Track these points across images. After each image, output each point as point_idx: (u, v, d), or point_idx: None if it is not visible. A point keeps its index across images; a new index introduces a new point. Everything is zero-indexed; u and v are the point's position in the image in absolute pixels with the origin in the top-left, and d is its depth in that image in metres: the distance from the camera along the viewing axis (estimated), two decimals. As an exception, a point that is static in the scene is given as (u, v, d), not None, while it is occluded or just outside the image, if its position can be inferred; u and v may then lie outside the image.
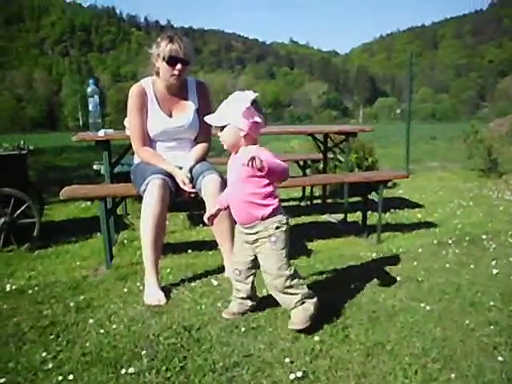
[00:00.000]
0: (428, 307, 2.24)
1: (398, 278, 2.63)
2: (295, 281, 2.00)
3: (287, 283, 1.98)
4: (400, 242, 3.42)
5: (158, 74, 2.68)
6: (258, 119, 1.97)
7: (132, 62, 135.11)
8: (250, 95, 1.97)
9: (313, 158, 5.04)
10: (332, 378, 1.68)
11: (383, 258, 3.04)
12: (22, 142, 3.75)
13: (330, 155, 4.69)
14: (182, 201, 2.76)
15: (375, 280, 2.61)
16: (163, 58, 2.58)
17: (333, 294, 2.40)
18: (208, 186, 2.53)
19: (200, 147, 2.78)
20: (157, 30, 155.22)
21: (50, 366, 1.79)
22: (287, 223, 2.03)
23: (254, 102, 1.97)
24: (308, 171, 5.19)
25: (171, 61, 2.58)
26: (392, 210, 4.52)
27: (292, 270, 2.00)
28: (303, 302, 2.01)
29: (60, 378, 1.70)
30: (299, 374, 1.67)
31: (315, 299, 2.05)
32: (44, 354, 1.87)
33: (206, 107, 2.82)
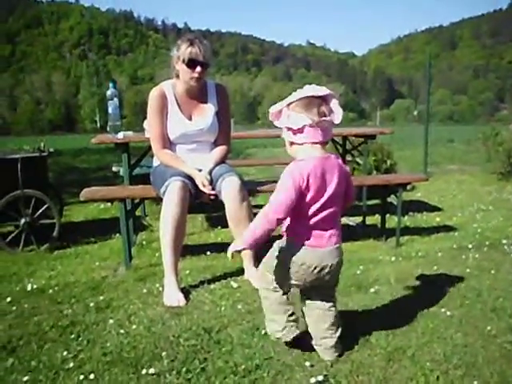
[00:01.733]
0: (449, 312, 2.21)
1: (418, 283, 2.60)
2: None
3: None
4: (419, 246, 3.38)
5: (178, 76, 2.70)
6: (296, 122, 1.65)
7: (149, 65, 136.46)
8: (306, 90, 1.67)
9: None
10: (353, 382, 1.66)
11: (402, 262, 3.01)
12: (42, 145, 3.80)
13: (349, 158, 4.66)
14: (200, 203, 2.76)
15: (395, 284, 2.59)
16: (183, 61, 2.60)
17: (352, 299, 2.39)
18: (227, 188, 2.54)
19: (219, 150, 2.79)
20: (174, 32, 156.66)
21: (71, 365, 1.81)
22: None
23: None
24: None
25: (191, 63, 2.60)
26: (411, 213, 4.47)
27: None
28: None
29: (81, 377, 1.72)
30: (320, 377, 1.67)
31: None
32: (65, 353, 1.90)
33: (225, 110, 2.85)
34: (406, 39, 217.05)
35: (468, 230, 3.86)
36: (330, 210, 1.71)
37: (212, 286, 2.62)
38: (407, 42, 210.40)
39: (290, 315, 1.83)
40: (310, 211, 1.69)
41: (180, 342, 1.96)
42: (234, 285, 2.61)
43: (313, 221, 1.70)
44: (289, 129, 1.69)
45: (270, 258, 1.83)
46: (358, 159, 4.66)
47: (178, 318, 2.20)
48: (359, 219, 4.19)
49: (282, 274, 1.79)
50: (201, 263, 3.05)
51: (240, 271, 2.76)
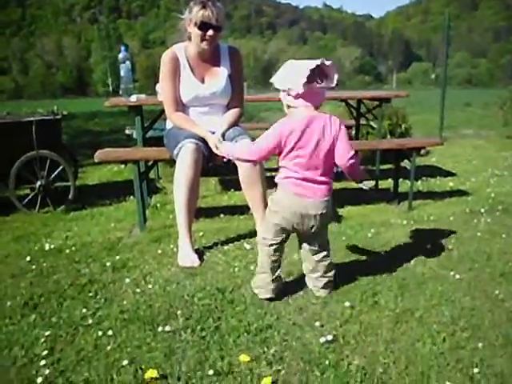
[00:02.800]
0: (458, 276, 2.24)
1: (428, 246, 2.62)
2: None
3: None
4: (431, 210, 3.38)
5: (190, 39, 2.67)
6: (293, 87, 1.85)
7: (161, 29, 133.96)
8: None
9: (345, 124, 4.95)
10: (361, 342, 1.71)
11: (414, 225, 3.02)
12: (56, 108, 3.82)
13: (363, 121, 4.61)
14: (213, 166, 2.78)
15: (405, 247, 2.61)
16: (195, 24, 2.56)
17: (363, 261, 2.43)
18: (240, 151, 2.54)
19: (232, 112, 2.78)
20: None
21: (90, 321, 1.88)
22: None
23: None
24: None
25: (203, 26, 2.56)
26: (424, 178, 4.45)
27: None
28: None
29: (100, 333, 1.79)
30: (329, 337, 1.71)
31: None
32: (84, 310, 1.97)
33: (238, 73, 2.82)
34: (425, 1, 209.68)
35: (481, 194, 3.84)
36: (316, 164, 1.89)
37: (225, 247, 2.67)
38: (426, 3, 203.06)
39: (275, 278, 2.02)
40: (297, 163, 1.89)
41: (194, 302, 2.02)
42: (247, 246, 2.65)
43: (301, 173, 1.89)
44: (286, 93, 1.90)
45: (268, 208, 2.04)
46: (372, 123, 4.60)
47: (193, 278, 2.26)
48: (372, 183, 4.18)
49: (275, 221, 1.97)
50: (214, 225, 3.10)
51: (253, 233, 2.80)
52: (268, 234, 2.00)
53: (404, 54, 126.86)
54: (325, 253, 2.04)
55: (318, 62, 1.82)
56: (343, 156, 1.92)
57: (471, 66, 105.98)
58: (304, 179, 1.90)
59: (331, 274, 2.06)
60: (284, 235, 2.00)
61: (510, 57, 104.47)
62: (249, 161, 2.08)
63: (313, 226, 1.94)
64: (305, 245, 2.04)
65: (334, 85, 1.89)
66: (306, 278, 2.12)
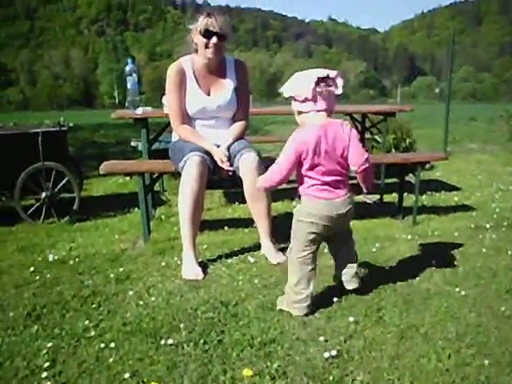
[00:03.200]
0: (463, 292, 2.21)
1: (433, 262, 2.60)
2: None
3: None
4: (436, 225, 3.36)
5: (196, 51, 2.69)
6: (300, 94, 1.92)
7: (167, 41, 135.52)
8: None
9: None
10: (366, 358, 1.69)
11: (418, 240, 3.01)
12: (62, 119, 3.86)
13: (368, 135, 4.62)
14: (218, 178, 2.79)
15: (410, 262, 2.60)
16: (200, 32, 2.59)
17: (367, 275, 2.41)
18: (245, 164, 2.55)
19: (238, 125, 2.79)
20: (193, 8, 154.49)
21: (93, 333, 1.87)
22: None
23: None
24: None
25: (207, 34, 2.59)
26: (429, 193, 4.44)
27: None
28: None
29: (102, 345, 1.78)
30: (333, 352, 1.70)
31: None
32: (86, 322, 1.96)
33: (244, 86, 2.84)
34: (430, 15, 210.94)
35: (486, 209, 3.82)
36: (335, 168, 1.96)
37: (229, 260, 2.66)
38: (431, 17, 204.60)
39: (310, 293, 2.02)
40: (318, 171, 1.95)
41: (198, 315, 2.01)
42: (251, 260, 2.65)
43: (322, 179, 1.96)
44: (295, 99, 1.95)
45: (296, 220, 2.05)
46: (377, 137, 4.61)
47: (196, 291, 2.25)
48: (377, 197, 4.17)
49: (305, 231, 1.99)
50: (218, 238, 3.09)
51: (257, 246, 2.80)
52: (300, 247, 2.02)
53: (408, 68, 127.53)
54: (353, 247, 2.19)
55: (325, 73, 1.90)
56: (358, 159, 1.98)
57: (476, 81, 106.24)
58: (326, 184, 1.97)
59: (356, 264, 2.17)
60: (316, 245, 2.04)
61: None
62: (277, 184, 2.03)
63: (339, 225, 2.03)
64: (337, 247, 2.17)
65: (340, 92, 1.95)
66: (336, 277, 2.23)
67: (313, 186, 1.97)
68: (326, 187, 1.97)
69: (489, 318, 1.97)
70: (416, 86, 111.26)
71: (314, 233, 1.98)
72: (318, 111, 1.94)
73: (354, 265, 2.15)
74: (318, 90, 1.89)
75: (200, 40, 2.62)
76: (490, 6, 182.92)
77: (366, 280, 2.32)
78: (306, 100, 1.92)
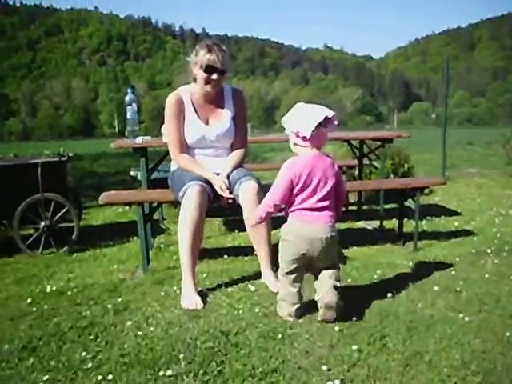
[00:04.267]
0: (467, 318, 2.18)
1: (436, 288, 2.57)
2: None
3: None
4: (437, 251, 3.34)
5: (195, 80, 2.73)
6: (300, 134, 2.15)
7: (167, 70, 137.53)
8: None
9: (348, 165, 5.00)
10: (370, 387, 1.66)
11: (420, 266, 2.98)
12: (62, 149, 3.88)
13: (366, 161, 4.64)
14: (218, 206, 2.78)
15: (412, 289, 2.57)
16: (201, 67, 2.62)
17: (369, 303, 2.38)
18: (245, 192, 2.55)
19: (236, 154, 2.80)
20: (192, 38, 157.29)
21: (90, 365, 1.84)
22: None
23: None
24: (343, 178, 5.15)
25: (208, 70, 2.62)
26: (428, 218, 4.43)
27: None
28: None
29: (99, 377, 1.74)
30: (337, 381, 1.66)
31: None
32: (83, 353, 1.93)
33: (242, 115, 2.87)
34: (424, 41, 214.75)
35: (487, 234, 3.81)
36: (322, 196, 2.16)
37: (229, 289, 2.63)
38: (425, 44, 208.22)
39: (294, 298, 2.20)
40: (304, 197, 2.16)
41: (197, 345, 1.97)
42: (252, 288, 2.62)
43: (308, 204, 2.16)
44: (295, 135, 2.18)
45: (281, 239, 2.24)
46: (375, 163, 4.63)
47: (196, 321, 2.21)
48: (376, 223, 4.16)
49: (289, 250, 2.18)
50: (218, 266, 3.07)
51: (257, 275, 2.77)
52: (285, 265, 2.20)
53: (404, 94, 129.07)
54: (336, 272, 2.23)
55: (326, 114, 2.11)
56: (343, 194, 2.35)
57: (471, 106, 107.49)
58: (311, 209, 2.15)
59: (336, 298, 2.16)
60: (299, 264, 2.17)
61: (509, 96, 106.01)
62: (274, 210, 2.21)
63: (322, 249, 2.14)
64: (318, 272, 2.24)
65: (335, 130, 2.22)
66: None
67: (300, 209, 2.17)
68: (309, 212, 2.15)
69: (494, 344, 1.94)
70: (412, 112, 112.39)
71: (297, 253, 2.15)
72: (313, 147, 2.17)
73: (335, 282, 2.19)
74: (318, 131, 2.10)
75: (200, 74, 2.65)
76: (482, 32, 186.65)
77: (367, 308, 2.29)
78: (304, 138, 2.14)
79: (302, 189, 2.14)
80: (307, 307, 2.26)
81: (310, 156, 2.16)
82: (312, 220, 2.15)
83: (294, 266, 2.17)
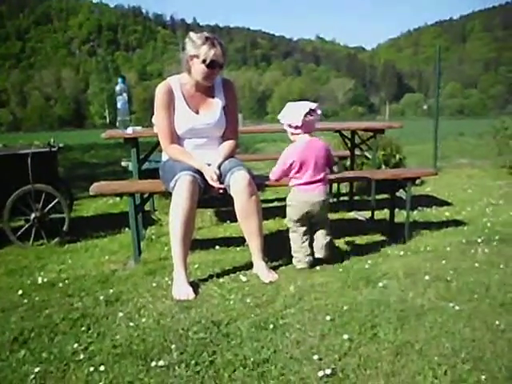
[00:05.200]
0: (457, 307, 2.20)
1: (427, 277, 2.59)
2: None
3: None
4: (428, 241, 3.36)
5: (189, 72, 2.69)
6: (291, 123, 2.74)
7: (158, 61, 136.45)
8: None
9: (340, 155, 5.00)
10: (361, 376, 1.67)
11: (411, 256, 3.00)
12: (52, 140, 3.84)
13: (357, 152, 4.65)
14: (209, 197, 2.78)
15: (403, 279, 2.58)
16: (203, 61, 2.59)
17: (360, 293, 2.39)
18: (236, 182, 2.55)
19: (228, 144, 2.79)
20: (183, 28, 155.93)
21: (82, 356, 1.83)
22: None
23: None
24: (335, 168, 5.15)
25: (212, 64, 2.60)
26: (420, 208, 4.45)
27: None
28: None
29: (91, 368, 1.74)
30: (328, 371, 1.67)
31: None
32: (75, 345, 1.92)
33: (232, 105, 2.85)
34: (416, 33, 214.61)
35: (478, 224, 3.83)
36: (316, 171, 2.74)
37: (221, 279, 2.63)
38: (417, 35, 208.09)
39: (306, 250, 2.77)
40: (303, 173, 2.73)
41: (189, 335, 1.98)
42: (243, 279, 2.62)
43: (306, 178, 2.73)
44: (289, 126, 2.75)
45: (287, 210, 2.82)
46: (366, 153, 4.63)
47: (187, 312, 2.21)
48: (368, 214, 4.18)
49: (294, 212, 2.76)
50: (210, 257, 3.07)
51: (249, 265, 2.77)
52: (292, 223, 2.79)
53: (396, 86, 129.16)
54: (329, 232, 2.84)
55: (310, 106, 2.69)
56: (332, 165, 2.92)
57: (463, 97, 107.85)
58: (309, 182, 2.73)
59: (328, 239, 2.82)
60: (302, 221, 2.76)
61: (501, 87, 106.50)
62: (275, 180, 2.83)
63: (318, 209, 2.73)
64: (316, 231, 2.83)
65: (319, 117, 2.78)
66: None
67: (299, 184, 2.74)
68: (309, 185, 2.73)
69: (484, 333, 1.96)
70: (404, 103, 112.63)
71: (300, 213, 2.73)
72: (304, 133, 2.73)
73: (328, 237, 2.81)
74: (306, 119, 2.67)
75: (201, 68, 2.62)
76: (474, 23, 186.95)
77: (358, 298, 2.31)
78: (296, 127, 2.70)
79: (300, 166, 2.69)
80: (295, 297, 2.30)
81: (304, 141, 2.73)
82: (310, 189, 2.72)
83: (299, 223, 2.74)
